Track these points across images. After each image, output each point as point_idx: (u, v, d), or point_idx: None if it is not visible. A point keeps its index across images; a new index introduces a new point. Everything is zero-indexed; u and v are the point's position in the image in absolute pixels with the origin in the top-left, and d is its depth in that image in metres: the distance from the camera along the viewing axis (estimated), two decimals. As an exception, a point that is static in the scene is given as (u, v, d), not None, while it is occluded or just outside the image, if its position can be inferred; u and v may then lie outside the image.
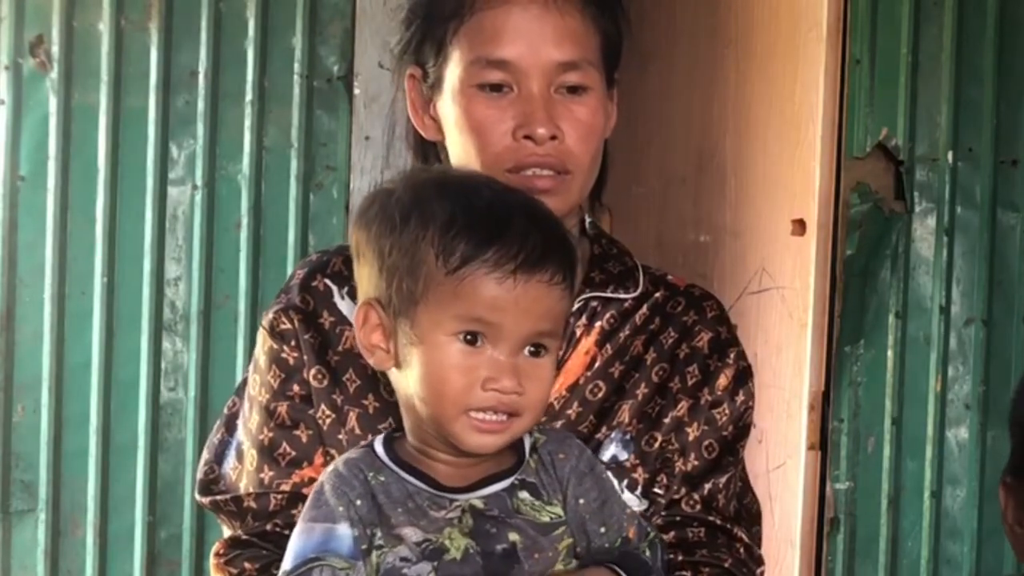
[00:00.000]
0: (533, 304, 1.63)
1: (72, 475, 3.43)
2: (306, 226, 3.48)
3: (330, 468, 1.68)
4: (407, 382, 1.67)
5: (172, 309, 3.45)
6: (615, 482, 1.82)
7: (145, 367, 3.44)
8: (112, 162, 3.42)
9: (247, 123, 3.46)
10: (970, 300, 3.49)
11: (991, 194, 3.48)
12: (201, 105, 3.44)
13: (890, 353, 3.50)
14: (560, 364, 1.91)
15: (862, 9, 3.44)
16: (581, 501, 1.69)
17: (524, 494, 1.68)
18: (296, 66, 3.46)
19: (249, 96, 3.45)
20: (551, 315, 1.65)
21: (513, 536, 1.65)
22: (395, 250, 1.66)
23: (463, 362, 1.63)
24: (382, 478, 1.66)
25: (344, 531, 1.62)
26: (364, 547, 1.62)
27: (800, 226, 3.41)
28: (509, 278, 1.62)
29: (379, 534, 1.63)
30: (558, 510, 1.68)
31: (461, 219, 1.65)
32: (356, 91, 3.47)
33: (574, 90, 1.87)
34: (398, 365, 1.68)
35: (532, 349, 1.65)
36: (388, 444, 1.70)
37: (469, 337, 1.63)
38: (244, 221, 3.45)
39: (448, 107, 1.89)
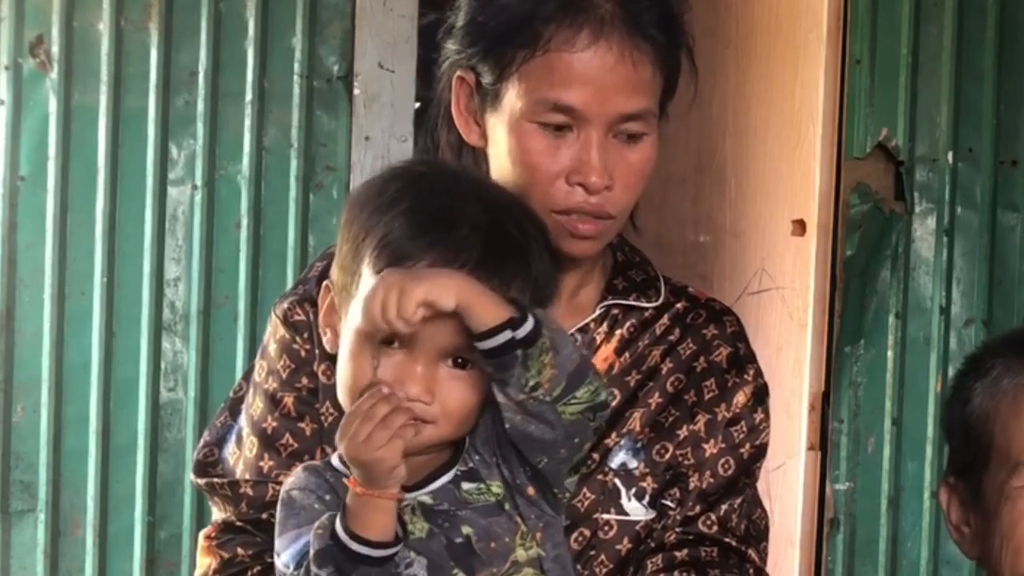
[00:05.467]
0: (452, 319, 1.59)
1: (72, 475, 3.43)
2: (306, 226, 3.47)
3: (289, 480, 1.69)
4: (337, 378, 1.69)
5: (172, 309, 3.44)
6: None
7: (145, 367, 3.43)
8: (112, 162, 3.42)
9: (247, 123, 3.45)
10: (970, 301, 3.49)
11: (991, 194, 3.48)
12: (201, 105, 3.44)
13: (890, 353, 3.50)
14: None
15: (862, 9, 3.44)
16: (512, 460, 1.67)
17: (467, 484, 1.66)
18: (296, 66, 3.46)
19: (249, 96, 3.45)
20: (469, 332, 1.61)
21: (466, 529, 1.64)
22: (347, 243, 1.68)
23: (372, 364, 1.62)
24: (335, 478, 1.67)
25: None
26: None
27: (800, 226, 3.41)
28: None
29: None
30: (498, 487, 1.67)
31: (404, 224, 1.64)
32: (356, 91, 3.47)
33: (632, 137, 1.84)
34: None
35: (456, 360, 1.63)
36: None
37: (388, 341, 1.62)
38: (244, 221, 3.45)
39: (502, 131, 1.85)
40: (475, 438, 1.68)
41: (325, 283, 1.74)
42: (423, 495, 1.65)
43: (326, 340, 1.74)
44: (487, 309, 1.57)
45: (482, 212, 1.68)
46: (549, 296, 1.71)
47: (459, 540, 1.63)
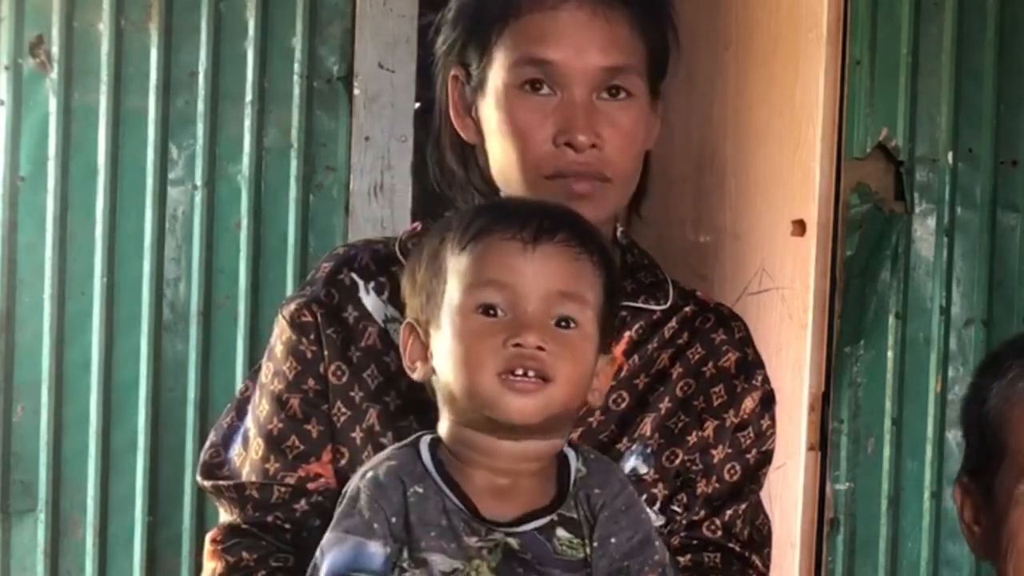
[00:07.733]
0: (546, 261, 1.64)
1: (72, 475, 3.42)
2: (306, 226, 3.47)
3: (369, 473, 1.66)
4: (442, 376, 1.68)
5: (172, 309, 3.44)
6: (652, 523, 1.78)
7: (145, 367, 3.42)
8: (112, 162, 3.41)
9: (247, 123, 3.45)
10: (970, 301, 3.49)
11: (991, 195, 3.48)
12: (201, 105, 3.44)
13: (890, 354, 3.50)
14: None
15: (862, 9, 3.44)
16: (613, 540, 1.67)
17: (562, 532, 1.65)
18: (296, 66, 3.46)
19: (249, 96, 3.44)
20: (568, 275, 1.65)
21: None
22: (423, 265, 1.70)
23: (483, 330, 1.63)
24: (420, 490, 1.64)
25: (375, 549, 1.60)
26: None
27: (800, 227, 3.41)
28: (518, 239, 1.65)
29: (405, 554, 1.61)
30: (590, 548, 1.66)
31: (477, 211, 1.71)
32: (356, 91, 3.46)
33: (616, 95, 1.85)
34: (435, 368, 1.69)
35: (559, 323, 1.65)
36: (434, 447, 1.69)
37: (492, 311, 1.64)
38: (244, 221, 3.44)
39: (490, 110, 1.87)
40: (584, 499, 1.68)
41: (405, 325, 1.73)
42: (512, 535, 1.63)
43: (417, 374, 1.72)
44: None
45: (545, 202, 1.75)
46: (615, 281, 1.74)
47: None
